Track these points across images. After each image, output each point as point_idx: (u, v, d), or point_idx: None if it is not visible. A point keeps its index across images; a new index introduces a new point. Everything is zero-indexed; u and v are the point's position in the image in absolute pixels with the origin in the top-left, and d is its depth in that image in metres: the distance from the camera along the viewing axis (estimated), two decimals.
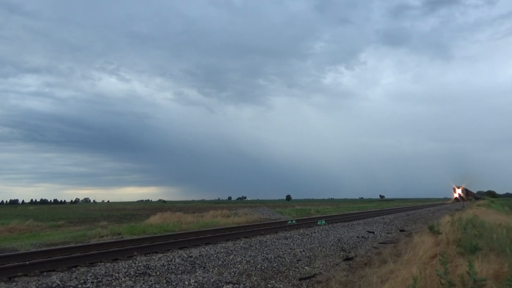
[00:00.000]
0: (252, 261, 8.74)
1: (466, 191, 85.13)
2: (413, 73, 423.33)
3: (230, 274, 7.41)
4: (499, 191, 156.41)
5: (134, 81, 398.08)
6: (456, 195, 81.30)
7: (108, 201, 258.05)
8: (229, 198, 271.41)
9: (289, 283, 6.93)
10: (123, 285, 6.39)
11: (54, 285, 6.13)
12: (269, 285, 6.69)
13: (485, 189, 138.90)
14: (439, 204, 60.44)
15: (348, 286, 6.41)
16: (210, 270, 7.80)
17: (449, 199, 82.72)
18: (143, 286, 6.31)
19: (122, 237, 14.56)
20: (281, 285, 6.75)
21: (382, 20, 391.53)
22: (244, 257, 9.20)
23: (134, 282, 6.54)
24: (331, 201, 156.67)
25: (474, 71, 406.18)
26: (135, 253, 9.41)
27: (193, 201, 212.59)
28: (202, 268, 8.01)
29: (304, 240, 12.45)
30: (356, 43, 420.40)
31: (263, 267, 8.21)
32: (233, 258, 9.07)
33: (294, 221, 20.29)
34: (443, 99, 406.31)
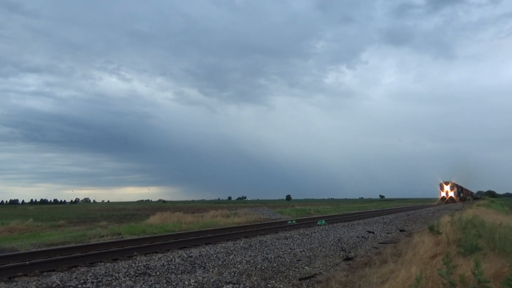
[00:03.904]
0: (252, 261, 8.73)
1: (459, 189, 66.36)
2: (415, 72, 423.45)
3: (230, 274, 7.41)
4: (499, 191, 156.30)
5: (134, 81, 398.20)
6: (443, 194, 64.32)
7: (108, 201, 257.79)
8: (229, 198, 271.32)
9: (289, 283, 6.92)
10: (123, 285, 6.38)
11: (54, 285, 6.13)
12: (269, 285, 6.68)
13: (485, 189, 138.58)
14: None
15: (348, 286, 6.41)
16: (210, 270, 7.80)
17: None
18: (143, 286, 6.31)
19: (122, 237, 14.56)
20: (281, 285, 6.75)
21: (385, 19, 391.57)
22: (244, 257, 9.20)
23: (134, 282, 6.53)
24: (331, 201, 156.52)
25: (477, 70, 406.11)
26: (135, 253, 9.41)
27: (193, 201, 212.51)
28: (202, 268, 8.01)
29: (304, 240, 12.45)
30: (358, 42, 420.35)
31: (263, 267, 8.20)
32: (233, 258, 9.06)
33: (294, 221, 20.29)
34: (445, 99, 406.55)
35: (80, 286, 6.24)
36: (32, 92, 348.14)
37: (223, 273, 7.42)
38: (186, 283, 6.56)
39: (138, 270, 7.39)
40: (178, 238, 12.61)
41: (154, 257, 8.90)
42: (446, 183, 64.36)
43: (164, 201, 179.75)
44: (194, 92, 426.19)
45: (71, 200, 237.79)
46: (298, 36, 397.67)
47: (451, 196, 62.85)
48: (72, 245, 11.90)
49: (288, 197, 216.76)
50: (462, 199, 66.81)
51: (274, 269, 8.10)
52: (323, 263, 8.77)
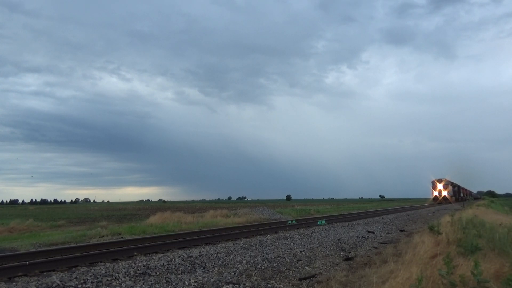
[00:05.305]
0: (252, 261, 8.73)
1: (455, 187, 60.55)
2: (415, 72, 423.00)
3: (230, 274, 7.41)
4: (499, 191, 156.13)
5: (135, 81, 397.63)
6: (436, 193, 57.42)
7: (108, 201, 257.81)
8: (229, 198, 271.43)
9: (289, 283, 6.92)
10: (123, 285, 6.38)
11: (54, 285, 6.13)
12: (269, 285, 6.68)
13: (485, 189, 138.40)
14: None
15: (348, 286, 6.40)
16: (210, 270, 7.80)
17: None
18: (143, 286, 6.30)
19: (122, 237, 14.56)
20: (281, 285, 6.75)
21: (385, 18, 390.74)
22: (244, 257, 9.20)
23: (134, 282, 6.53)
24: (331, 201, 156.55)
25: (477, 70, 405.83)
26: (135, 253, 9.41)
27: (193, 201, 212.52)
28: (202, 268, 8.01)
29: (304, 240, 12.45)
30: (359, 42, 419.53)
31: (263, 267, 8.20)
32: (233, 258, 9.06)
33: (294, 221, 20.28)
34: (446, 99, 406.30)
35: (80, 286, 6.23)
36: (32, 92, 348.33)
37: (223, 273, 7.42)
38: (186, 283, 6.56)
39: (138, 270, 7.38)
40: (178, 238, 12.61)
41: (154, 257, 8.90)
42: (439, 181, 57.37)
43: (164, 201, 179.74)
44: (195, 92, 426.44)
45: (71, 200, 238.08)
46: (298, 36, 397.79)
47: (444, 196, 56.36)
48: (72, 245, 11.90)
49: (288, 197, 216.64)
50: (462, 199, 62.64)
51: (274, 269, 8.10)
52: (323, 263, 8.77)
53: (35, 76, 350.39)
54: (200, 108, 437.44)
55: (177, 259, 8.50)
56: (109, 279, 6.69)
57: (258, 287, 6.50)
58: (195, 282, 6.64)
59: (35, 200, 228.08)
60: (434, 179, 58.62)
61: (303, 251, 10.41)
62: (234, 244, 11.08)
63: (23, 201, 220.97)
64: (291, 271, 7.89)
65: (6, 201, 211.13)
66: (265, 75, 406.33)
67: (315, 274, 7.54)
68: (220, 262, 8.55)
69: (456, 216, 12.27)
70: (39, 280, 6.44)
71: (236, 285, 6.49)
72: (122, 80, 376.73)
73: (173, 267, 7.84)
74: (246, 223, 21.16)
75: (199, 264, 8.29)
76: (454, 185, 60.54)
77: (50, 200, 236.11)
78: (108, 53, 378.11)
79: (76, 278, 6.57)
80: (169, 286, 6.36)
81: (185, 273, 7.49)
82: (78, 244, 11.82)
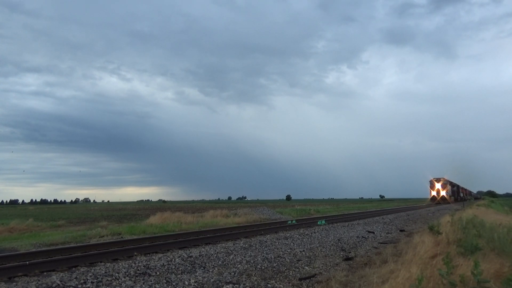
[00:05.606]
0: (252, 261, 8.73)
1: (454, 187, 59.39)
2: (415, 72, 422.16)
3: (230, 274, 7.41)
4: (499, 191, 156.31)
5: (135, 81, 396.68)
6: (434, 193, 56.08)
7: (108, 201, 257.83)
8: (229, 198, 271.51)
9: (289, 283, 6.92)
10: (123, 285, 6.38)
11: (54, 285, 6.13)
12: (269, 285, 6.68)
13: (485, 189, 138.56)
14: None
15: (348, 286, 6.40)
16: (210, 270, 7.80)
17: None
18: (143, 286, 6.31)
19: (122, 237, 14.56)
20: (281, 285, 6.75)
21: (386, 18, 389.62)
22: (244, 257, 9.20)
23: (134, 282, 6.53)
24: (331, 201, 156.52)
25: (478, 70, 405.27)
26: (135, 253, 9.41)
27: (193, 201, 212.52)
28: (202, 268, 8.01)
29: (304, 240, 12.45)
30: (359, 42, 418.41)
31: (263, 267, 8.20)
32: (233, 258, 9.07)
33: (294, 221, 20.29)
34: (446, 99, 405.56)
35: (80, 286, 6.24)
36: (32, 92, 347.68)
37: (223, 273, 7.42)
38: (186, 283, 6.56)
39: (138, 270, 7.39)
40: (178, 238, 12.61)
41: (154, 257, 8.90)
42: (438, 180, 56.02)
43: (164, 201, 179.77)
44: (195, 92, 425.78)
45: (71, 200, 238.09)
46: (298, 36, 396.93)
47: (443, 196, 55.07)
48: (72, 245, 11.90)
49: (288, 197, 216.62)
50: (461, 199, 61.81)
51: (274, 269, 8.10)
52: (323, 263, 8.77)
53: (35, 76, 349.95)
54: (200, 108, 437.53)
55: (177, 259, 8.51)
56: (109, 279, 6.69)
57: (258, 287, 6.50)
58: (195, 282, 6.64)
59: (35, 200, 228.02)
60: (432, 178, 57.74)
61: (303, 251, 10.41)
62: (234, 244, 11.08)
63: (23, 201, 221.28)
64: (291, 271, 7.89)
65: (6, 201, 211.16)
66: (265, 75, 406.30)
67: (315, 274, 7.54)
68: (220, 262, 8.55)
69: (456, 216, 12.27)
70: (39, 280, 6.44)
71: (236, 285, 6.49)
72: (122, 80, 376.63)
73: (173, 267, 7.85)
74: (246, 223, 21.16)
75: (199, 264, 8.29)
76: (453, 185, 59.74)
77: (50, 200, 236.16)
78: (108, 53, 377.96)
79: (76, 278, 6.58)
80: (169, 286, 6.36)
81: (185, 273, 7.49)
82: (78, 244, 11.82)
